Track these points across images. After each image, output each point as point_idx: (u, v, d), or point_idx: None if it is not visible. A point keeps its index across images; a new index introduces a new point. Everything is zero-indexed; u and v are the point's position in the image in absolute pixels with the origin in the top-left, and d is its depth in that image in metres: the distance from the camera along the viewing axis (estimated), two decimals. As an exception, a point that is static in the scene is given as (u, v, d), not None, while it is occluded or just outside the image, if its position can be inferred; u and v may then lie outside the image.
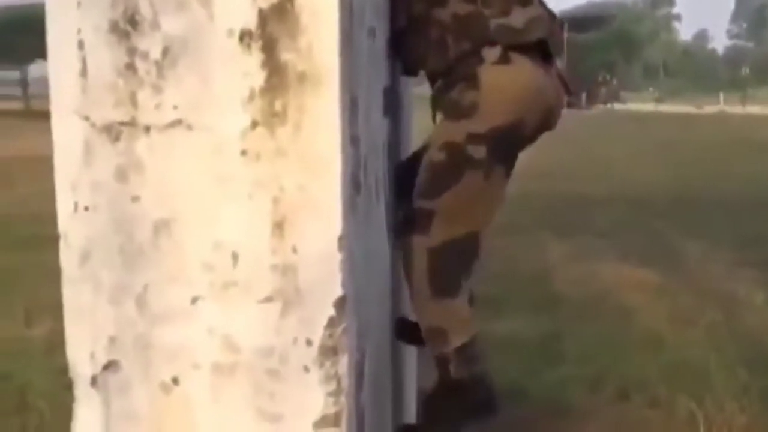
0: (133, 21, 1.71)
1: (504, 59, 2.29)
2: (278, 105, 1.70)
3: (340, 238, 1.72)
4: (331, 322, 1.72)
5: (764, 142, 22.01)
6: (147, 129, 1.72)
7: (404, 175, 2.50)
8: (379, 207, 2.24)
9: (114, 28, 1.71)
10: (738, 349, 4.92)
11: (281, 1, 1.69)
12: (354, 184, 1.84)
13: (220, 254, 1.73)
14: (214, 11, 1.70)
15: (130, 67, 1.72)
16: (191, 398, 1.77)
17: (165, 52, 1.71)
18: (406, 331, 2.59)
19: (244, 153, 1.71)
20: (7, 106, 45.60)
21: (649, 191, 12.58)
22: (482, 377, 2.39)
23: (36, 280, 6.36)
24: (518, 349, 4.86)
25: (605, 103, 56.27)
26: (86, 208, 1.76)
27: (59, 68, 1.75)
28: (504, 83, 2.29)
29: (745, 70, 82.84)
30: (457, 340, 2.33)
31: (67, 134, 1.75)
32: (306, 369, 1.73)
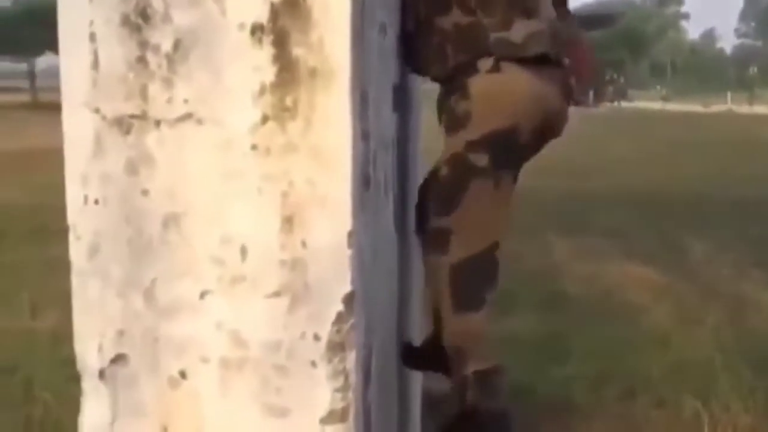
0: (144, 14, 1.71)
1: (495, 68, 2.29)
2: (289, 100, 1.70)
3: (350, 234, 1.72)
4: (339, 318, 1.72)
5: (771, 143, 21.95)
6: (157, 123, 1.72)
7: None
8: (387, 202, 2.23)
9: (125, 21, 1.71)
10: (744, 350, 4.90)
11: (293, -5, 1.69)
12: (364, 180, 1.84)
13: (229, 249, 1.72)
14: (226, 5, 1.70)
15: (141, 60, 1.72)
16: (199, 392, 1.77)
17: (176, 45, 1.71)
18: (411, 357, 2.57)
19: (254, 147, 1.70)
20: (14, 98, 45.68)
21: (656, 190, 12.57)
22: (502, 414, 2.35)
23: (42, 272, 6.38)
24: (524, 347, 4.85)
25: (612, 101, 56.14)
26: (96, 201, 1.76)
27: (71, 61, 1.74)
28: (493, 90, 2.29)
29: (753, 70, 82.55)
30: (475, 363, 2.29)
31: (77, 127, 1.75)
32: (313, 364, 1.73)
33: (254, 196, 1.71)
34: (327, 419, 1.74)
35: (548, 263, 7.48)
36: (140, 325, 1.77)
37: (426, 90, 3.16)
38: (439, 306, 2.32)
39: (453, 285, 2.28)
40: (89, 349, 1.80)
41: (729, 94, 60.57)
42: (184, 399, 1.77)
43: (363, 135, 1.81)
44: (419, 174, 2.71)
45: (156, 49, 1.71)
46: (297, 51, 1.69)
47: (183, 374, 1.77)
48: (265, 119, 1.70)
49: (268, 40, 1.69)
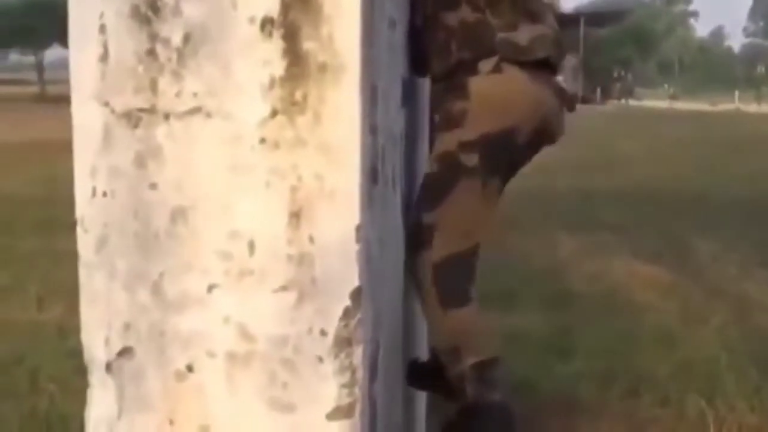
0: (154, 7, 1.70)
1: (496, 69, 2.29)
2: (298, 94, 1.69)
3: (358, 229, 1.71)
4: (347, 313, 1.72)
5: (779, 141, 21.92)
6: (166, 116, 1.72)
7: None
8: (395, 197, 2.23)
9: (135, 13, 1.71)
10: (749, 349, 4.91)
11: (304, -11, 1.68)
12: (372, 175, 1.83)
13: (237, 243, 1.72)
14: (237, -1, 1.69)
15: (151, 53, 1.71)
16: (205, 386, 1.76)
17: (186, 38, 1.70)
18: (418, 376, 2.57)
19: (262, 141, 1.70)
20: (22, 91, 45.78)
21: (663, 188, 12.57)
22: (502, 406, 2.34)
23: (49, 264, 6.40)
24: (529, 344, 4.86)
25: (619, 98, 56.14)
26: (104, 194, 1.75)
27: (80, 53, 1.74)
28: (493, 91, 2.30)
29: (761, 69, 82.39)
30: (471, 356, 2.30)
31: (86, 119, 1.74)
32: (320, 359, 1.73)
33: (262, 190, 1.71)
34: (333, 415, 1.73)
35: (554, 260, 7.48)
36: (147, 319, 1.76)
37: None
38: (427, 305, 2.33)
39: (437, 283, 2.29)
40: (96, 342, 1.80)
41: (737, 93, 60.52)
42: (190, 393, 1.77)
43: (372, 130, 1.81)
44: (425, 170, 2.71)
45: (166, 42, 1.71)
46: (307, 45, 1.69)
47: (189, 368, 1.77)
48: (274, 113, 1.70)
49: (278, 33, 1.69)
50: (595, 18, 52.47)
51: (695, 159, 17.33)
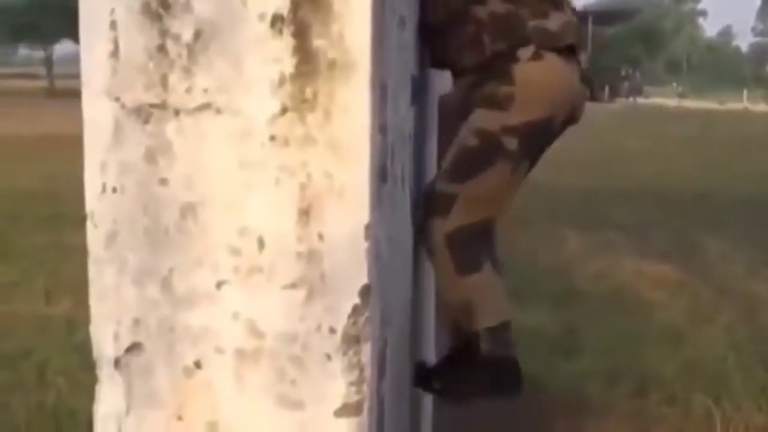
0: (165, 3, 1.70)
1: (536, 56, 2.32)
2: (308, 91, 1.69)
3: (367, 227, 1.71)
4: (355, 311, 1.72)
5: (787, 141, 21.88)
6: (177, 112, 1.72)
7: None
8: (404, 195, 2.23)
9: (146, 9, 1.71)
10: (756, 349, 4.91)
11: (314, -14, 1.68)
12: (381, 173, 1.83)
13: (246, 239, 1.72)
14: (247, -4, 1.69)
15: (162, 49, 1.71)
16: (213, 382, 1.77)
17: (197, 35, 1.70)
18: (425, 378, 2.59)
19: (272, 138, 1.70)
20: (32, 85, 45.87)
21: (670, 187, 12.55)
22: (514, 360, 2.43)
23: (56, 258, 6.42)
24: (536, 343, 4.85)
25: (628, 97, 56.08)
26: (114, 190, 1.75)
27: (91, 49, 1.74)
28: (537, 79, 2.33)
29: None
30: (485, 320, 2.37)
31: (97, 115, 1.75)
32: (328, 357, 1.73)
33: (272, 187, 1.71)
34: (341, 412, 1.74)
35: (561, 259, 7.48)
36: (156, 314, 1.77)
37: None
38: (441, 270, 2.37)
39: (452, 250, 2.34)
40: (105, 337, 1.80)
41: (745, 92, 60.40)
42: (198, 389, 1.77)
43: (381, 128, 1.81)
44: (435, 168, 2.71)
45: (176, 38, 1.71)
46: (317, 43, 1.69)
47: (198, 364, 1.77)
48: (284, 110, 1.70)
49: (288, 31, 1.69)
50: (603, 16, 52.38)
51: (703, 158, 17.31)
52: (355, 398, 1.74)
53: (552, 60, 2.35)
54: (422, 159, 2.63)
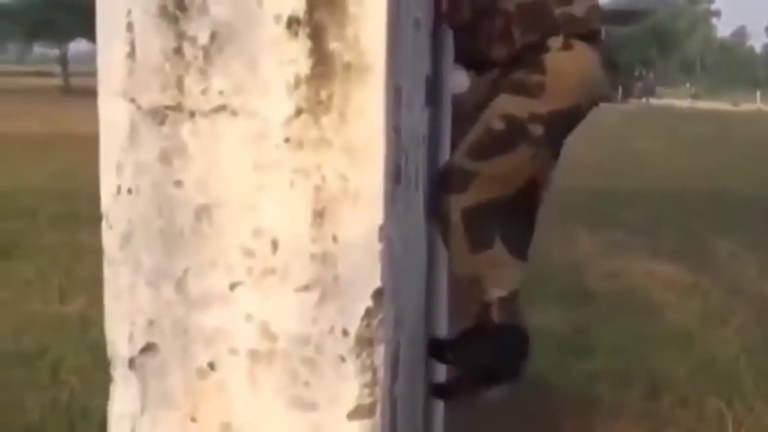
0: (182, 5, 1.71)
1: (567, 45, 2.36)
2: (323, 93, 1.69)
3: (381, 228, 1.71)
4: (368, 313, 1.72)
5: (801, 143, 21.81)
6: (192, 114, 1.72)
7: None
8: (418, 197, 2.24)
9: (163, 11, 1.72)
10: (769, 351, 4.90)
11: (330, -11, 1.68)
12: (395, 174, 1.84)
13: (260, 241, 1.73)
14: (263, -3, 1.70)
15: (178, 51, 1.72)
16: (227, 384, 1.77)
17: (213, 37, 1.71)
18: (438, 350, 2.60)
19: (287, 140, 1.70)
20: (47, 82, 46.05)
21: (682, 188, 12.53)
22: (525, 328, 2.47)
23: (71, 257, 6.44)
24: (547, 342, 4.85)
25: (641, 97, 55.94)
26: (129, 191, 1.76)
27: (107, 50, 1.75)
28: (568, 68, 2.37)
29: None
30: (497, 290, 2.41)
31: (113, 116, 1.75)
32: (342, 359, 1.73)
33: (286, 189, 1.71)
34: (354, 414, 1.74)
35: (572, 259, 7.48)
36: (171, 315, 1.77)
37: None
38: (453, 243, 2.40)
39: (467, 226, 2.38)
40: (120, 338, 1.81)
41: (758, 93, 60.21)
42: (212, 390, 1.78)
43: (395, 130, 1.81)
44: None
45: (193, 40, 1.71)
46: (333, 45, 1.69)
47: (212, 366, 1.77)
48: (299, 112, 1.70)
49: (304, 33, 1.69)
50: (617, 16, 52.30)
51: (716, 159, 17.28)
52: (368, 400, 1.74)
53: (582, 49, 2.39)
54: (436, 161, 2.63)
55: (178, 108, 1.73)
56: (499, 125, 2.38)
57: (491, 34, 2.42)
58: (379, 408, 1.75)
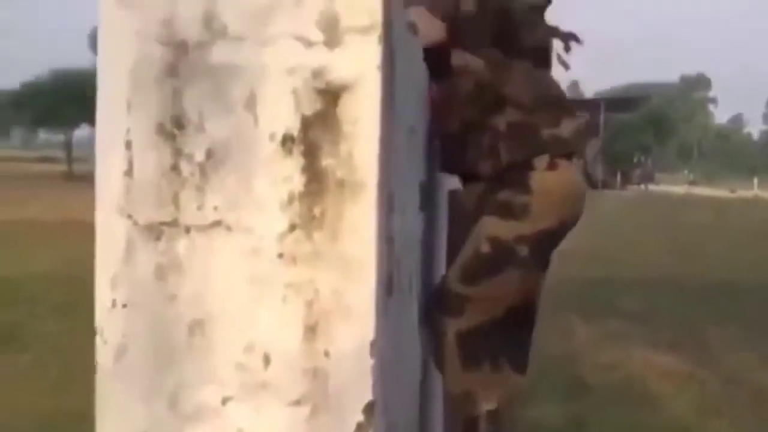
0: (179, 123, 1.75)
1: (552, 165, 2.40)
2: (317, 210, 1.73)
3: (372, 343, 1.73)
4: (359, 428, 1.72)
5: (798, 230, 21.86)
6: (188, 229, 1.75)
7: None
8: (412, 302, 2.26)
9: (161, 129, 1.76)
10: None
11: (324, 108, 1.72)
12: (387, 286, 1.86)
13: (253, 356, 1.74)
14: (259, 115, 1.74)
15: (175, 168, 1.76)
16: (220, 496, 1.77)
17: (209, 154, 1.75)
18: None
19: (280, 256, 1.73)
20: (51, 169, 46.34)
21: (680, 275, 12.52)
22: None
23: (70, 347, 6.42)
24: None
25: (639, 184, 56.20)
26: (124, 305, 1.78)
27: (106, 167, 1.78)
28: (553, 188, 2.41)
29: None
30: (487, 404, 2.47)
31: (110, 232, 1.78)
32: (334, 473, 1.73)
33: (279, 304, 1.73)
34: None
35: (569, 349, 7.45)
36: (163, 431, 1.78)
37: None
38: (446, 362, 2.41)
39: (460, 348, 2.44)
40: (112, 452, 1.81)
41: (756, 180, 60.50)
42: (204, 503, 1.77)
43: (388, 240, 1.84)
44: (444, 267, 2.74)
45: (189, 157, 1.75)
46: (326, 162, 1.73)
47: (204, 479, 1.77)
48: (292, 228, 1.73)
49: (298, 150, 1.73)
50: (615, 104, 52.88)
51: (714, 246, 17.29)
52: None
53: (566, 168, 2.44)
54: (432, 263, 2.67)
55: (174, 224, 1.76)
56: (486, 248, 2.42)
57: (479, 148, 2.47)
58: None
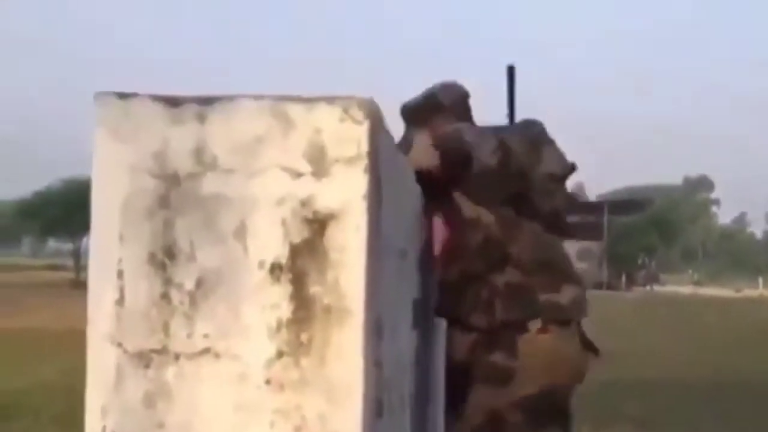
0: (170, 253, 1.79)
1: (543, 330, 2.42)
2: (304, 336, 1.76)
3: (360, 471, 1.74)
4: None
5: (805, 331, 21.73)
6: (177, 357, 1.78)
7: None
8: (404, 421, 2.26)
9: (152, 259, 1.80)
10: None
11: (312, 236, 1.77)
12: (376, 409, 1.88)
13: (241, 482, 1.75)
14: (248, 244, 1.78)
15: (165, 296, 1.79)
16: None
17: (199, 283, 1.79)
18: None
19: (268, 382, 1.76)
20: (60, 276, 46.40)
21: (687, 377, 12.42)
22: None
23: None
24: None
25: (644, 285, 56.05)
26: (113, 433, 1.80)
27: (98, 296, 1.82)
28: (538, 353, 2.44)
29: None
30: None
31: (100, 360, 1.81)
32: None
33: (266, 430, 1.75)
34: None
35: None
36: None
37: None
38: None
39: None
40: None
41: (760, 279, 60.33)
42: None
43: (376, 364, 1.86)
44: (441, 382, 2.75)
45: (180, 286, 1.79)
46: (313, 289, 1.77)
47: None
48: (280, 354, 1.76)
49: (286, 278, 1.77)
50: (619, 206, 53.03)
51: (720, 347, 17.18)
52: None
53: (557, 334, 2.45)
54: (428, 374, 2.67)
55: (163, 351, 1.79)
56: (479, 419, 2.45)
57: (476, 301, 2.50)
58: None
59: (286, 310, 1.77)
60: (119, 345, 1.80)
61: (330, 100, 1.79)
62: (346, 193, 1.77)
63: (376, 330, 1.85)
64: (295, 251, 1.77)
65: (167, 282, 1.80)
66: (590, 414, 9.10)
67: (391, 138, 2.10)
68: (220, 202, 1.79)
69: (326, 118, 1.78)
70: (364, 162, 1.77)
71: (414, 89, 2.72)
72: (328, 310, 1.76)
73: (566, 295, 2.50)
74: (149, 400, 1.79)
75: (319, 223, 1.77)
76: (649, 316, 26.95)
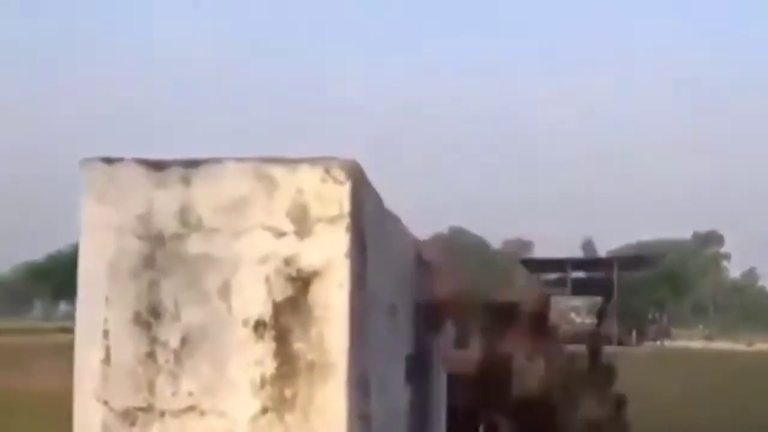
0: (155, 312, 1.83)
1: None
2: (288, 392, 1.78)
3: None
4: None
5: (817, 384, 21.55)
6: (162, 414, 1.81)
7: None
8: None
9: (138, 319, 1.83)
10: None
11: (295, 294, 1.80)
12: (362, 464, 1.89)
13: None
14: (232, 303, 1.81)
15: (151, 355, 1.82)
16: None
17: (184, 341, 1.81)
18: None
19: (253, 438, 1.77)
20: (70, 340, 46.40)
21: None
22: None
23: None
24: None
25: (656, 340, 55.65)
26: (100, 490, 1.82)
27: (84, 356, 1.85)
28: None
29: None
30: None
31: (87, 417, 1.84)
32: None
33: (251, 485, 1.77)
34: None
35: None
36: None
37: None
38: None
39: None
40: None
41: (772, 333, 59.93)
42: None
43: (362, 417, 1.88)
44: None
45: (165, 344, 1.82)
46: (297, 345, 1.79)
47: None
48: (264, 410, 1.78)
49: (269, 335, 1.80)
50: (629, 262, 52.84)
51: (730, 401, 17.04)
52: None
53: None
54: (425, 423, 2.69)
55: (149, 409, 1.81)
56: None
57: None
58: None
59: (269, 367, 1.79)
60: (105, 403, 1.82)
61: (312, 161, 1.83)
62: (329, 251, 1.81)
63: (361, 385, 1.87)
64: (279, 308, 1.80)
65: (153, 341, 1.83)
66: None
67: (377, 197, 2.14)
68: (204, 261, 1.82)
69: (308, 178, 1.82)
70: (346, 221, 1.81)
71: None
72: (311, 366, 1.79)
73: None
74: (134, 458, 1.81)
75: (302, 281, 1.80)
76: (661, 372, 26.77)
